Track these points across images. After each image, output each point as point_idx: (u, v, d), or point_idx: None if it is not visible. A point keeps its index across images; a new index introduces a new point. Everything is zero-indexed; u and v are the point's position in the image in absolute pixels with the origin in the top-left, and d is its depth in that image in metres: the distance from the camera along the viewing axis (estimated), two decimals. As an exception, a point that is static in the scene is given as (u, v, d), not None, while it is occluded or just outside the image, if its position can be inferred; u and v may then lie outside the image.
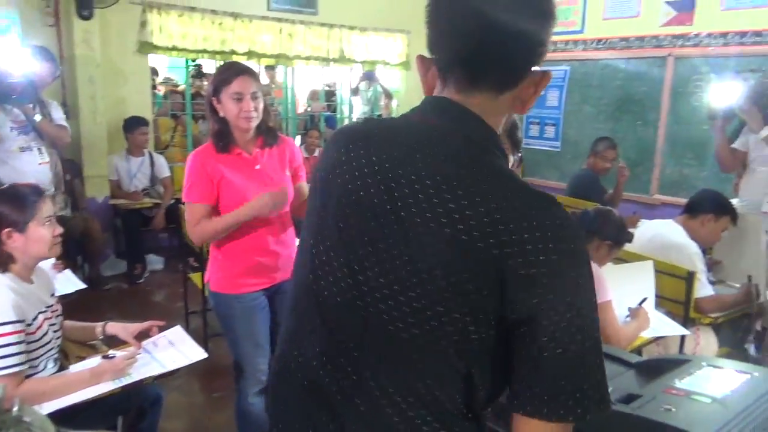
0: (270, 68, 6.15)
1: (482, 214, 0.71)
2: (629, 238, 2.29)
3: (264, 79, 5.95)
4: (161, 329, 1.91)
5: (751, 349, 2.73)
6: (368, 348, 0.79)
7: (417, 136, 0.80)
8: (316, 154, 5.45)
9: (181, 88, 6.05)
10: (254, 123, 1.90)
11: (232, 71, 1.88)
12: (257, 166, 1.95)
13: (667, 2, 4.42)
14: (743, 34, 4.04)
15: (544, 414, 0.71)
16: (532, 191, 0.75)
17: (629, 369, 1.29)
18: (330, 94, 6.53)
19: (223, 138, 1.91)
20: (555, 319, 0.69)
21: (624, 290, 2.30)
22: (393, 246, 0.76)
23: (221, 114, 1.89)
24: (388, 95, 6.26)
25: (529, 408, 0.72)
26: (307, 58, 5.33)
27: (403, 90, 6.07)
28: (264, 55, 5.05)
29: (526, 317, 0.70)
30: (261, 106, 1.91)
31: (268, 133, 1.99)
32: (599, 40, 4.84)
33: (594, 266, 2.12)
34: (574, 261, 0.72)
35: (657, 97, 4.50)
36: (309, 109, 6.77)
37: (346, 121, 6.34)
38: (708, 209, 2.76)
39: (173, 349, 1.82)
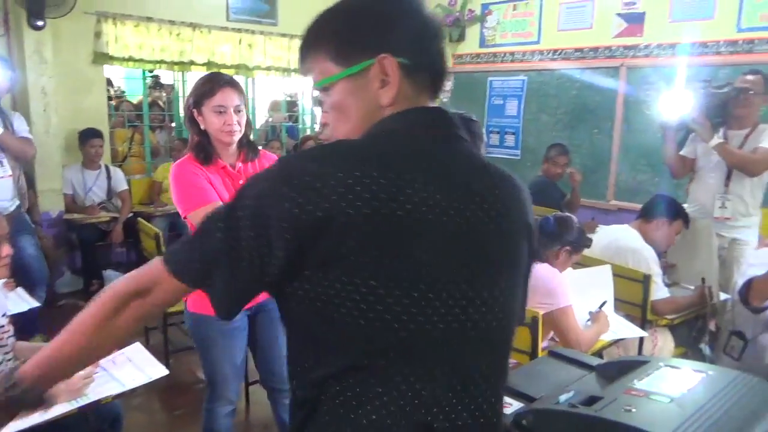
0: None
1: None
2: (588, 243, 2.35)
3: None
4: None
5: (706, 348, 2.82)
6: None
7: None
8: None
9: (137, 99, 5.94)
10: (237, 137, 1.85)
11: (215, 83, 1.82)
12: (241, 181, 1.89)
13: (619, 14, 4.57)
14: (690, 45, 4.20)
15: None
16: None
17: (591, 372, 1.32)
18: (291, 105, 6.51)
19: (204, 150, 1.85)
20: None
21: (584, 294, 2.36)
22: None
23: (202, 126, 1.83)
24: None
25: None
26: (268, 69, 5.30)
27: (365, 100, 6.08)
28: (224, 66, 4.99)
29: None
30: (244, 119, 1.85)
31: (249, 147, 1.94)
32: (555, 51, 4.97)
33: (555, 272, 2.18)
34: None
35: (611, 106, 4.64)
36: (270, 120, 6.73)
37: (308, 132, 6.31)
38: (661, 214, 2.86)
39: (132, 367, 1.77)
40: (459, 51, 5.67)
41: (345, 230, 0.71)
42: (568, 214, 2.40)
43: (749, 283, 2.41)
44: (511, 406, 1.18)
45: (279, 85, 6.35)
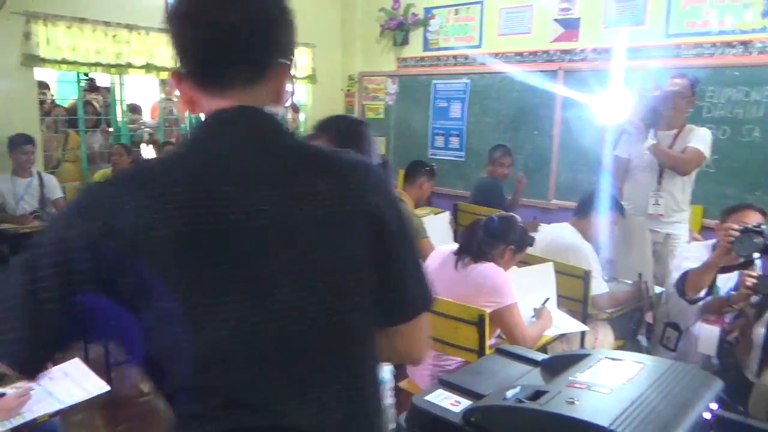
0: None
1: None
2: (531, 242, 2.41)
3: (164, 93, 5.73)
4: (57, 362, 1.78)
5: (643, 340, 2.95)
6: None
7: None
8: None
9: (70, 102, 5.69)
10: None
11: None
12: None
13: (556, 20, 4.72)
14: (623, 49, 4.38)
15: None
16: None
17: (536, 367, 1.36)
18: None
19: None
20: None
21: (528, 292, 2.42)
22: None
23: None
24: (295, 109, 6.23)
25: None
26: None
27: (310, 104, 6.06)
28: (164, 69, 4.85)
29: None
30: None
31: None
32: (496, 55, 5.08)
33: (500, 270, 2.23)
34: None
35: (550, 108, 4.78)
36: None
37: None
38: (594, 208, 2.99)
39: (71, 382, 1.70)
40: (403, 54, 5.72)
41: (140, 253, 0.71)
42: (511, 214, 2.46)
43: (685, 276, 2.53)
44: (460, 404, 1.20)
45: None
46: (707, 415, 1.11)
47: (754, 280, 2.04)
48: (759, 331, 2.32)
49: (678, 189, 3.28)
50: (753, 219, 2.47)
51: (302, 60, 5.78)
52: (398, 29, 5.61)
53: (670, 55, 4.16)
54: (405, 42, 5.66)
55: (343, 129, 1.41)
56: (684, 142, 3.22)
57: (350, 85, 6.16)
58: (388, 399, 1.50)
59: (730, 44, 3.93)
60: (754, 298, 2.26)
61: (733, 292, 2.45)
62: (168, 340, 0.73)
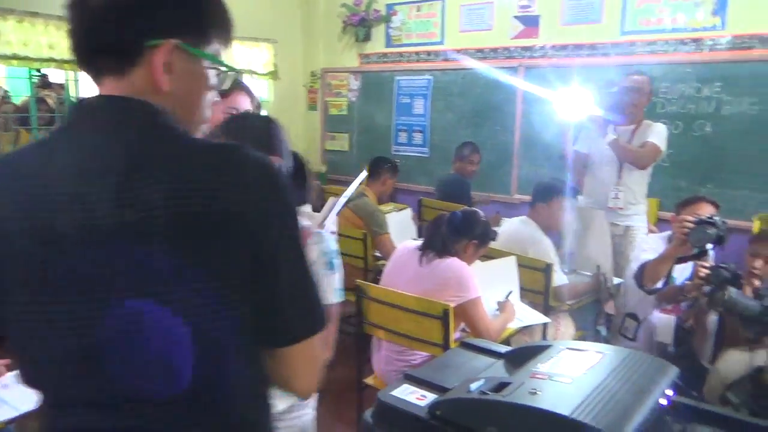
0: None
1: None
2: (494, 236, 2.44)
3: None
4: (9, 368, 1.71)
5: (603, 330, 3.02)
6: None
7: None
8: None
9: (23, 100, 5.49)
10: None
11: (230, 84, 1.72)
12: None
13: (516, 17, 4.78)
14: (580, 46, 4.48)
15: None
16: None
17: (500, 359, 1.38)
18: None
19: None
20: None
21: (492, 286, 2.45)
22: None
23: None
24: (257, 106, 6.14)
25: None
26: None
27: (272, 100, 5.99)
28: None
29: None
30: None
31: None
32: (458, 51, 5.12)
33: (464, 265, 2.25)
34: None
35: (512, 104, 4.85)
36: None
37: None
38: (538, 198, 3.05)
39: (25, 389, 1.64)
40: (366, 51, 5.71)
41: None
42: (474, 209, 2.49)
43: (643, 267, 2.60)
44: (426, 398, 1.20)
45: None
46: (664, 401, 1.14)
47: (707, 271, 2.11)
48: (712, 319, 2.41)
49: (636, 183, 3.37)
50: (706, 211, 2.56)
51: (264, 56, 5.72)
52: (360, 25, 5.60)
53: (626, 53, 4.27)
54: (367, 38, 5.65)
55: (247, 127, 1.37)
56: (642, 137, 3.31)
57: (313, 81, 6.12)
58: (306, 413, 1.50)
59: (682, 42, 4.05)
60: (707, 288, 2.34)
61: (687, 282, 2.53)
62: (9, 337, 0.77)
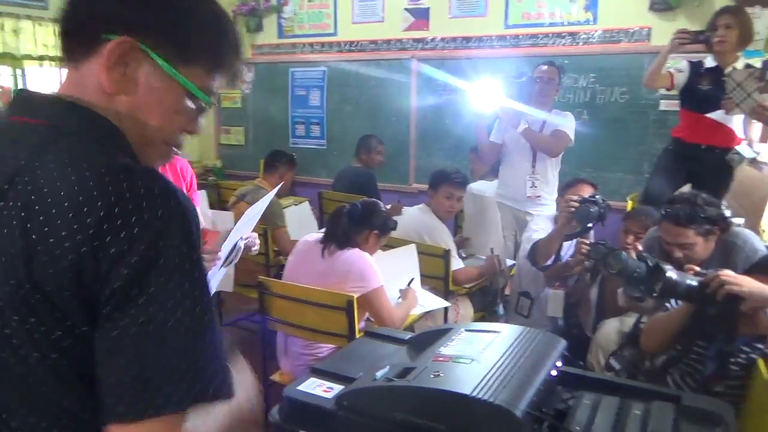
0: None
1: None
2: (394, 225, 2.49)
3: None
4: None
5: (500, 310, 3.18)
6: None
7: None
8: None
9: None
10: None
11: None
12: None
13: (406, 9, 4.87)
14: (469, 39, 4.65)
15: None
16: None
17: (403, 346, 1.41)
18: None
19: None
20: None
21: (394, 274, 2.50)
22: None
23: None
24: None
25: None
26: (41, 59, 4.68)
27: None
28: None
29: None
30: None
31: None
32: (351, 43, 5.13)
33: (365, 255, 2.28)
34: None
35: (406, 96, 4.94)
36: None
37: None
38: (430, 186, 3.18)
39: None
40: (258, 42, 5.58)
41: None
42: (374, 199, 2.52)
43: (535, 246, 2.77)
44: (333, 390, 1.21)
45: (58, 78, 5.62)
46: (554, 373, 1.23)
47: (588, 247, 2.28)
48: (593, 293, 2.62)
49: (549, 171, 3.41)
50: (586, 191, 2.78)
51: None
52: (251, 15, 5.45)
53: (510, 45, 4.48)
54: (259, 29, 5.51)
55: None
56: (552, 126, 3.37)
57: (203, 73, 5.89)
58: None
59: (560, 35, 4.32)
60: (588, 263, 2.54)
61: (570, 259, 2.73)
62: None
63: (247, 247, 1.71)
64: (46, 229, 0.61)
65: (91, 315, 0.62)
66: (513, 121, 3.30)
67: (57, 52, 4.73)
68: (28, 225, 0.61)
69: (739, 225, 2.25)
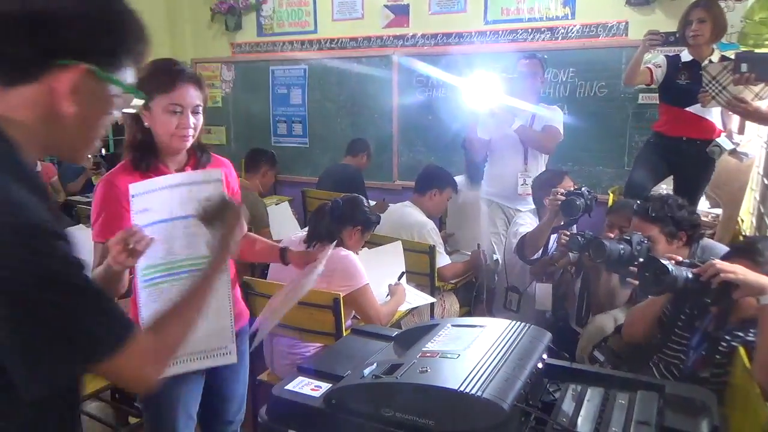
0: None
1: None
2: (377, 220, 2.48)
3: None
4: None
5: (484, 303, 3.20)
6: None
7: None
8: (38, 169, 4.76)
9: None
10: (189, 143, 1.53)
11: (175, 75, 1.48)
12: None
13: (386, 6, 4.86)
14: (449, 35, 4.66)
15: None
16: None
17: (390, 342, 1.41)
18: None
19: (146, 152, 1.51)
20: None
21: (380, 271, 2.50)
22: None
23: (146, 124, 1.49)
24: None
25: None
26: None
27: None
28: None
29: None
30: (201, 122, 1.54)
31: (201, 151, 1.62)
32: (332, 40, 5.12)
33: (349, 254, 2.27)
34: None
35: (388, 92, 4.93)
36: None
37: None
38: (432, 185, 3.16)
39: None
40: (238, 40, 5.53)
41: None
42: (355, 195, 2.50)
43: (523, 240, 2.80)
44: (321, 388, 1.21)
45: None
46: (540, 365, 1.24)
47: (568, 238, 2.31)
48: (577, 286, 2.64)
49: (541, 167, 3.40)
50: (569, 184, 2.83)
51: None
52: (230, 13, 5.40)
53: (490, 41, 4.50)
54: (238, 27, 5.47)
55: None
56: (542, 121, 3.34)
57: (182, 72, 5.83)
58: None
59: (539, 30, 4.35)
60: (573, 256, 2.56)
61: (554, 253, 2.75)
62: None
63: None
64: None
65: None
66: (507, 118, 3.26)
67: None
68: None
69: (711, 236, 2.26)
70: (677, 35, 2.89)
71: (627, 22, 4.07)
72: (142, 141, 1.53)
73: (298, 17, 5.24)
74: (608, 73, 4.10)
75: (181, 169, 1.60)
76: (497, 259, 3.27)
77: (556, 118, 3.36)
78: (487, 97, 3.23)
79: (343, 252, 2.26)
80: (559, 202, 2.57)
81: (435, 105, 4.71)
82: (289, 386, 1.23)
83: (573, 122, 4.19)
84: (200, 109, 1.55)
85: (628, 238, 1.67)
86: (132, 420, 2.60)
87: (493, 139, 3.42)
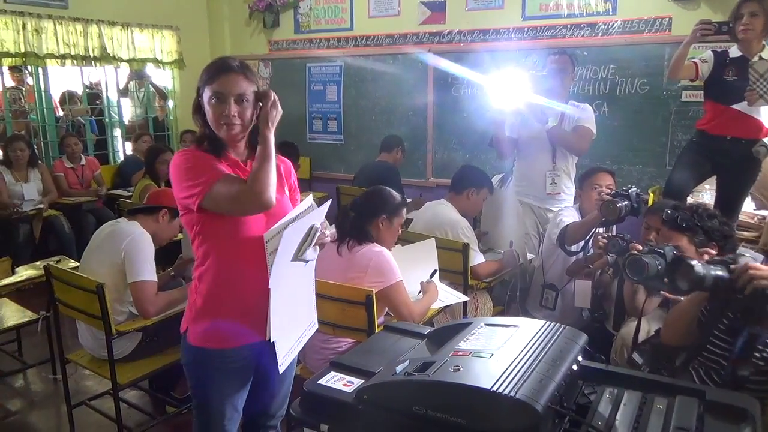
0: (16, 69, 5.35)
1: None
2: (403, 203, 2.43)
3: (9, 81, 5.15)
4: None
5: (518, 302, 3.16)
6: None
7: None
8: (83, 162, 4.92)
9: None
10: (237, 131, 1.56)
11: (217, 68, 1.56)
12: None
13: (423, 2, 4.84)
14: (486, 31, 4.61)
15: None
16: None
17: (423, 340, 1.41)
18: (94, 97, 5.91)
19: (212, 142, 1.58)
20: None
21: (413, 268, 2.49)
22: None
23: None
24: (162, 95, 5.89)
25: None
26: (62, 57, 4.75)
27: (178, 90, 5.76)
28: (7, 54, 4.38)
29: None
30: (249, 111, 1.56)
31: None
32: (368, 37, 5.13)
33: (383, 250, 2.27)
34: None
35: (423, 89, 4.92)
36: (69, 114, 6.04)
37: (117, 125, 5.80)
38: (469, 184, 3.13)
39: None
40: (275, 37, 5.60)
41: None
42: (379, 186, 2.46)
43: (565, 230, 2.77)
44: (353, 384, 1.21)
45: (78, 76, 5.72)
46: (575, 367, 1.22)
47: (605, 240, 2.25)
48: (615, 287, 2.59)
49: (570, 167, 3.33)
50: (605, 180, 2.79)
51: (168, 44, 5.46)
52: (267, 11, 5.47)
53: (528, 37, 4.44)
54: (276, 24, 5.53)
55: None
56: (570, 119, 3.25)
57: (221, 69, 5.92)
58: None
59: (579, 26, 4.27)
60: (611, 258, 2.50)
61: (590, 253, 2.70)
62: None
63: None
64: None
65: None
66: (539, 117, 3.18)
67: (78, 51, 4.83)
68: None
69: (756, 238, 2.18)
70: (730, 24, 2.78)
71: (671, 18, 3.96)
72: (207, 135, 1.60)
73: (334, 14, 5.27)
74: (650, 70, 4.00)
75: (244, 162, 1.63)
76: (530, 259, 3.23)
77: (587, 116, 3.24)
78: (515, 95, 3.15)
79: (377, 248, 2.26)
80: (601, 202, 2.52)
81: (470, 102, 4.67)
82: (322, 381, 1.24)
83: (613, 120, 4.11)
84: (246, 98, 1.55)
85: (662, 251, 1.62)
86: (169, 409, 2.66)
87: (521, 138, 3.35)
